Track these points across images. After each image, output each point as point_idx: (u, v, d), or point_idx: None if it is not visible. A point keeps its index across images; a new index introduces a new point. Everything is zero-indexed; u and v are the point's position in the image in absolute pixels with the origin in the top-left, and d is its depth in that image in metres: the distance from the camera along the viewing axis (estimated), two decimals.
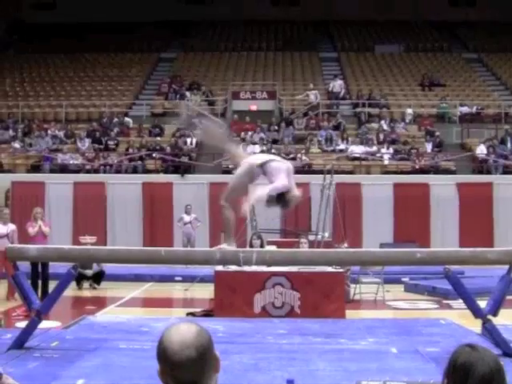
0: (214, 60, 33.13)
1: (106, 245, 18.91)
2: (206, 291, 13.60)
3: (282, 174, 7.16)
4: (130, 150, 24.05)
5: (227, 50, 34.30)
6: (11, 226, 13.72)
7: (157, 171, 23.09)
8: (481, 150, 23.83)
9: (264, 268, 10.75)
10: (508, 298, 8.28)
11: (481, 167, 23.60)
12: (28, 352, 7.77)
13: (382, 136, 24.96)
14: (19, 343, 7.92)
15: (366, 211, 21.54)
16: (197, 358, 2.16)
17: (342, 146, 24.49)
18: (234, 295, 11.03)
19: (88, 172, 23.08)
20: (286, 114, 27.49)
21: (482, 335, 8.50)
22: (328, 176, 16.57)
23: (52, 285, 9.93)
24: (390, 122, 26.27)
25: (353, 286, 13.80)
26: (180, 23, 35.29)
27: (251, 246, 12.36)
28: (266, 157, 7.61)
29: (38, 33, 33.70)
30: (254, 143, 23.87)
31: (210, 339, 2.22)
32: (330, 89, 29.01)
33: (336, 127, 25.93)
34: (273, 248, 11.86)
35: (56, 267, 11.97)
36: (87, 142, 24.65)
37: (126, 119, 27.06)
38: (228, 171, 19.82)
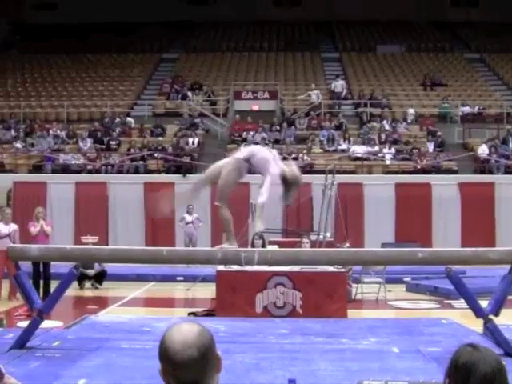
0: (216, 60, 33.14)
1: (107, 244, 18.91)
2: (207, 291, 13.60)
3: (271, 161, 7.25)
4: (132, 150, 24.06)
5: (229, 50, 34.31)
6: (13, 226, 13.72)
7: (158, 171, 23.09)
8: (483, 150, 23.82)
9: (266, 268, 10.75)
10: (510, 297, 8.28)
11: (483, 167, 23.59)
12: (30, 352, 7.78)
13: (383, 136, 24.96)
14: (21, 343, 7.92)
15: (367, 211, 21.53)
16: (199, 357, 2.16)
17: (343, 146, 24.49)
18: (235, 295, 11.04)
19: (90, 172, 23.09)
20: (288, 114, 27.49)
21: (483, 335, 8.49)
22: (330, 176, 16.56)
23: (54, 284, 9.93)
24: (392, 122, 26.26)
25: (354, 285, 13.79)
26: (182, 23, 35.30)
27: (253, 245, 12.36)
28: (248, 149, 7.59)
29: (40, 33, 33.72)
30: (256, 143, 23.86)
31: (211, 339, 2.22)
32: (332, 89, 29.01)
33: (338, 127, 25.94)
34: (274, 248, 11.86)
35: (58, 267, 11.97)
36: (89, 142, 24.66)
37: (128, 119, 27.07)
38: None
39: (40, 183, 21.79)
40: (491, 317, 7.91)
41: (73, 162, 23.54)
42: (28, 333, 8.02)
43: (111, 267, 15.09)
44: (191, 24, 35.33)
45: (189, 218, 20.02)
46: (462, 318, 10.63)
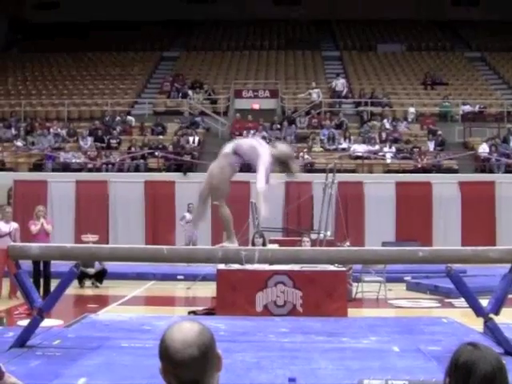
0: (217, 59, 33.15)
1: (108, 243, 18.93)
2: (208, 290, 13.61)
3: (258, 147, 7.31)
4: (133, 149, 24.06)
5: (229, 49, 34.31)
6: (14, 225, 13.72)
7: (159, 170, 23.10)
8: (483, 149, 23.82)
9: (266, 266, 10.75)
10: (510, 296, 8.27)
11: (483, 166, 23.59)
12: (30, 350, 7.78)
13: (384, 135, 24.96)
14: (21, 341, 7.92)
15: (368, 210, 21.54)
16: (199, 356, 2.16)
17: (344, 145, 24.50)
18: (235, 294, 11.03)
19: (90, 170, 23.11)
20: (289, 112, 27.49)
21: (483, 334, 8.49)
22: (330, 175, 16.56)
23: (54, 283, 9.93)
24: (393, 121, 26.26)
25: (355, 284, 13.79)
26: (182, 22, 35.32)
27: (253, 244, 12.35)
28: (232, 143, 7.60)
29: (41, 32, 33.72)
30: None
31: (212, 338, 2.22)
32: (333, 87, 29.01)
33: (338, 126, 25.94)
34: (275, 246, 11.86)
35: (58, 265, 11.98)
36: (89, 140, 24.67)
37: (129, 118, 27.08)
38: None
39: (40, 182, 21.79)
40: (491, 316, 7.91)
41: (73, 160, 23.55)
42: (28, 331, 8.02)
43: (111, 266, 15.09)
44: (192, 22, 35.34)
45: (189, 217, 19.97)
46: (462, 317, 10.63)
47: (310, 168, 22.68)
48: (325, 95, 28.27)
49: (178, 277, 16.54)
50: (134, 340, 8.53)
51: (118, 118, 26.61)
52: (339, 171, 19.15)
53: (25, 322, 9.02)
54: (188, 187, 21.57)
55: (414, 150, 23.84)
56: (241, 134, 24.50)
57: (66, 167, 23.25)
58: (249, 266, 10.04)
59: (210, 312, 11.36)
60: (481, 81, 31.11)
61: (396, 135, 25.04)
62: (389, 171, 23.13)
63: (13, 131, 25.58)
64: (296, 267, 10.95)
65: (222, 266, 11.15)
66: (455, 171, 23.21)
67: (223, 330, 9.19)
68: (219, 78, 31.00)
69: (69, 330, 9.51)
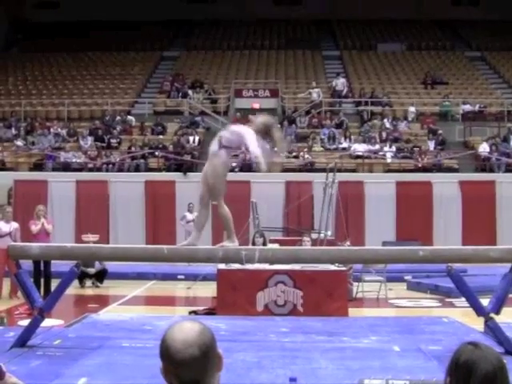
0: (217, 58, 33.14)
1: (108, 243, 18.94)
2: (208, 289, 13.61)
3: (237, 130, 7.38)
4: (133, 149, 24.06)
5: (230, 49, 34.29)
6: (14, 225, 13.72)
7: (159, 169, 23.10)
8: (483, 148, 23.81)
9: (266, 266, 10.75)
10: (511, 296, 8.28)
11: (483, 165, 23.59)
12: (31, 350, 7.78)
13: (384, 134, 24.95)
14: (22, 341, 7.93)
15: (368, 209, 21.54)
16: (200, 356, 2.16)
17: (344, 145, 24.49)
18: (236, 293, 11.03)
19: (90, 170, 23.11)
20: (289, 112, 27.48)
21: (484, 333, 8.50)
22: (331, 174, 16.56)
23: (54, 283, 9.93)
24: (393, 120, 26.26)
25: (355, 284, 13.79)
26: (182, 22, 35.32)
27: (254, 244, 12.36)
28: (215, 139, 7.57)
29: (42, 31, 33.72)
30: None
31: (212, 337, 2.22)
32: (333, 87, 29.00)
33: (338, 125, 25.93)
34: (275, 246, 11.86)
35: (58, 265, 11.98)
36: (90, 140, 24.67)
37: (129, 117, 27.07)
38: (231, 170, 19.77)
39: (41, 181, 21.79)
40: (492, 315, 7.91)
41: (73, 160, 23.55)
42: (29, 331, 8.02)
43: (112, 266, 15.10)
44: (192, 22, 35.34)
45: (190, 217, 19.99)
46: (462, 317, 10.63)
47: (310, 167, 22.69)
48: (325, 95, 28.26)
49: (179, 276, 16.54)
50: (134, 340, 8.53)
51: (118, 118, 26.61)
52: (339, 171, 19.14)
53: (25, 322, 9.03)
54: (188, 187, 21.57)
55: (415, 149, 23.83)
56: None
57: (66, 167, 23.24)
58: (249, 266, 10.05)
59: (210, 312, 11.36)
60: (481, 80, 31.10)
61: (396, 135, 25.03)
62: (389, 171, 23.13)
63: (13, 131, 25.58)
64: (296, 267, 10.96)
65: (222, 266, 11.15)
66: (455, 170, 23.21)
67: (224, 330, 9.20)
68: (219, 78, 31.00)
69: (69, 329, 9.51)
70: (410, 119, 26.81)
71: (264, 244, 12.46)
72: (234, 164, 21.89)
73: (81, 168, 23.30)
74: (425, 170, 22.92)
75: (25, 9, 36.75)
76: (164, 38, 34.80)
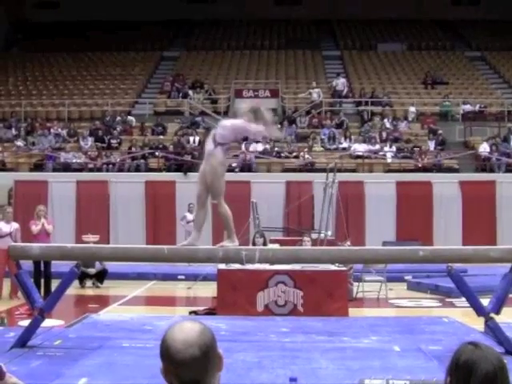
0: (217, 58, 33.13)
1: (108, 243, 18.94)
2: (208, 289, 13.62)
3: (229, 124, 7.49)
4: (133, 149, 24.06)
5: (230, 49, 34.29)
6: (14, 225, 13.73)
7: (159, 170, 23.09)
8: (484, 148, 23.81)
9: (267, 266, 10.75)
10: (511, 296, 8.28)
11: (484, 165, 23.58)
12: (31, 350, 7.78)
13: (384, 134, 24.94)
14: (22, 342, 7.93)
15: (368, 209, 21.53)
16: (200, 356, 2.16)
17: (344, 145, 24.48)
18: (236, 293, 11.04)
19: (91, 171, 23.11)
20: (289, 112, 27.47)
21: (484, 333, 8.50)
22: (331, 174, 16.56)
23: (55, 283, 9.93)
24: (393, 120, 26.26)
25: (356, 284, 13.79)
26: (183, 22, 35.32)
27: (254, 244, 12.36)
28: (209, 138, 7.60)
29: (42, 32, 33.73)
30: (257, 141, 23.84)
31: (213, 338, 2.21)
32: (333, 87, 29.00)
33: (339, 125, 25.92)
34: (276, 246, 11.86)
35: (59, 266, 11.98)
36: (90, 140, 24.67)
37: (129, 118, 27.07)
38: (231, 170, 19.80)
39: (41, 182, 21.79)
40: (492, 315, 7.91)
41: (74, 160, 23.54)
42: (29, 332, 8.03)
43: (112, 266, 15.10)
44: (192, 22, 35.34)
45: (190, 217, 19.97)
46: (463, 317, 10.63)
47: (310, 168, 22.68)
48: (325, 95, 28.26)
49: (179, 277, 16.54)
50: (134, 340, 8.54)
51: (118, 118, 26.60)
52: (340, 171, 19.15)
53: (26, 323, 9.03)
54: (188, 187, 21.53)
55: (415, 149, 23.82)
56: None
57: (66, 167, 23.24)
58: (249, 266, 10.05)
59: (210, 312, 11.37)
60: (481, 80, 31.10)
61: (396, 134, 25.02)
62: (389, 171, 23.13)
63: (13, 131, 25.58)
64: (297, 267, 10.96)
65: (222, 266, 11.15)
66: (456, 171, 23.20)
67: (224, 330, 9.20)
68: (219, 78, 31.00)
69: (70, 330, 9.52)
70: (410, 119, 26.81)
71: (264, 244, 12.46)
72: (234, 164, 21.93)
73: (81, 168, 23.30)
74: (425, 170, 22.91)
75: (25, 9, 36.77)
76: (164, 38, 34.81)
